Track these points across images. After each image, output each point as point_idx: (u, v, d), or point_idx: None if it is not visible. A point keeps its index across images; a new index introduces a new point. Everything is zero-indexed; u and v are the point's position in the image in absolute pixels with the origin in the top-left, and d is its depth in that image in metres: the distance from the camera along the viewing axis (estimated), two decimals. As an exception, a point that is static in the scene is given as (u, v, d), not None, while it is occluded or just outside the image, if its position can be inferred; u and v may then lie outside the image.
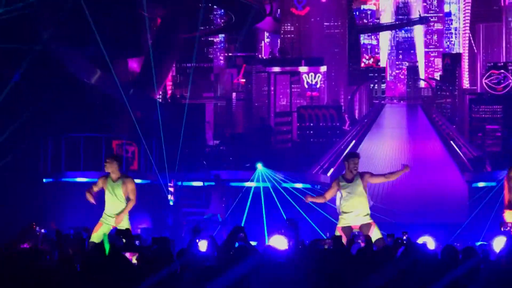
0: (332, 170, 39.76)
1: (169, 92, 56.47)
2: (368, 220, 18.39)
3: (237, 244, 14.07)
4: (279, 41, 68.87)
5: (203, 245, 14.98)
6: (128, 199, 18.89)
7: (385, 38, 76.42)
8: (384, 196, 32.75)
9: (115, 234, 17.52)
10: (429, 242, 15.72)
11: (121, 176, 19.13)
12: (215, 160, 41.17)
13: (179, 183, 31.24)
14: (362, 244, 16.18)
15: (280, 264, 9.67)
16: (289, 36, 67.11)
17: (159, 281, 8.75)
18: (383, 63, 74.12)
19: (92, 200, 18.98)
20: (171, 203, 30.40)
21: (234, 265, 8.81)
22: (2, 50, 26.46)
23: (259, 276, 8.40)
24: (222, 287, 7.96)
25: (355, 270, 9.71)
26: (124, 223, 18.47)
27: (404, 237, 17.76)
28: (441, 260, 11.32)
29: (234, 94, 65.78)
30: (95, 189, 19.17)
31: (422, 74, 72.60)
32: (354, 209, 18.41)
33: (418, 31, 74.22)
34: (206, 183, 31.86)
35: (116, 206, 18.75)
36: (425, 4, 74.20)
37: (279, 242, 16.52)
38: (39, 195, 28.62)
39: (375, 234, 17.53)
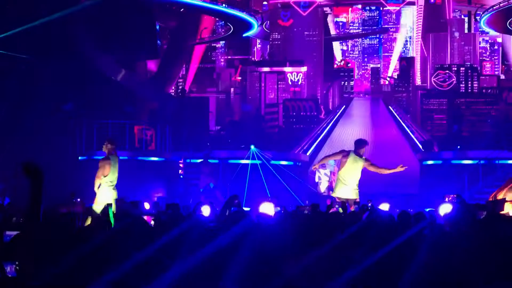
0: (310, 150, 39.60)
1: (180, 87, 56.25)
2: (356, 196, 18.03)
3: (232, 209, 14.05)
4: (268, 46, 68.64)
5: (205, 210, 14.93)
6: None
7: (354, 44, 76.38)
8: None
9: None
10: (387, 208, 15.61)
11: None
12: (217, 142, 40.93)
13: (188, 160, 31.23)
14: (336, 209, 16.10)
15: (268, 226, 9.69)
16: (276, 42, 66.87)
17: (172, 239, 8.72)
18: (352, 64, 74.03)
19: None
20: (181, 176, 30.19)
21: (230, 226, 8.80)
22: (44, 51, 26.29)
23: (251, 235, 8.38)
24: (220, 244, 7.95)
25: (328, 231, 9.67)
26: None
27: (369, 204, 17.65)
28: (397, 222, 11.32)
29: (232, 89, 65.60)
30: None
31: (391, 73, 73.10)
32: (352, 181, 18.06)
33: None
34: (198, 160, 31.47)
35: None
36: (385, 17, 74.10)
37: (268, 208, 16.41)
38: (75, 170, 28.59)
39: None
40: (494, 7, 61.25)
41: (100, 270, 7.40)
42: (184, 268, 7.59)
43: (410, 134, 45.72)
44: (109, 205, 14.79)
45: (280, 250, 8.06)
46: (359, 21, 74.70)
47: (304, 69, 65.28)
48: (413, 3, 69.84)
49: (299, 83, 65.25)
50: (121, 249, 8.04)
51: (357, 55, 75.32)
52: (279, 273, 7.38)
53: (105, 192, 18.29)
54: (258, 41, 69.59)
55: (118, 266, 7.55)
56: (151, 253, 7.93)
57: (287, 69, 65.18)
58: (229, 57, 69.50)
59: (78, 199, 22.62)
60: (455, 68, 64.78)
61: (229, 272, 7.48)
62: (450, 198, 18.62)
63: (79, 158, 29.08)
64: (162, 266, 7.70)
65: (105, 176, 18.36)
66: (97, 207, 17.67)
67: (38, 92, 25.38)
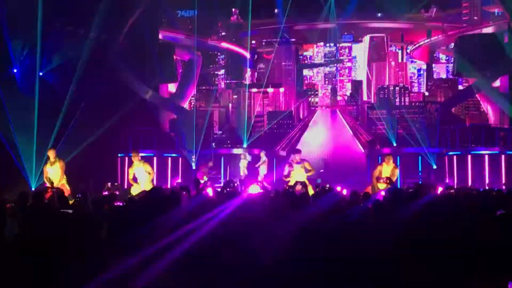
0: (287, 149, 39.64)
1: (192, 103, 56.20)
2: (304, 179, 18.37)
3: (228, 190, 14.19)
4: (256, 73, 68.69)
5: (210, 191, 15.03)
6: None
7: (318, 71, 76.44)
8: (319, 164, 32.56)
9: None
10: (342, 189, 15.70)
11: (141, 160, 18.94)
12: (219, 142, 40.86)
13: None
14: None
15: (253, 200, 9.83)
16: (261, 70, 66.98)
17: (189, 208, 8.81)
18: (316, 86, 74.15)
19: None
20: (193, 168, 30.12)
21: (226, 201, 8.91)
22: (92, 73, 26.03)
23: (241, 208, 8.48)
24: (218, 212, 8.04)
25: (296, 205, 9.73)
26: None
27: (327, 186, 17.70)
28: (349, 199, 11.40)
29: (230, 104, 65.54)
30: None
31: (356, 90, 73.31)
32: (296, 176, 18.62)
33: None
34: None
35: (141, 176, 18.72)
36: (341, 51, 74.21)
37: (255, 189, 16.52)
38: (116, 165, 28.59)
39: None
40: (420, 43, 61.56)
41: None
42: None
43: (359, 135, 45.85)
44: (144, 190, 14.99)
45: (256, 216, 8.13)
46: (322, 54, 74.74)
47: (282, 89, 65.47)
48: (361, 41, 70.08)
49: (280, 99, 65.36)
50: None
51: (320, 79, 75.36)
52: (254, 232, 7.35)
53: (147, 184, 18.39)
54: (249, 69, 69.61)
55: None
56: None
57: (270, 89, 65.31)
58: (227, 81, 69.35)
59: (112, 184, 22.54)
60: (392, 88, 64.98)
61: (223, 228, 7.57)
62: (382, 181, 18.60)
63: (118, 155, 29.07)
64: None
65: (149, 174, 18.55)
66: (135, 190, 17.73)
67: (93, 108, 25.21)
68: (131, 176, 18.82)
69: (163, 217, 7.81)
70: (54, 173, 17.80)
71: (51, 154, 17.97)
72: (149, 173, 18.68)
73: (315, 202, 10.94)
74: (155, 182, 20.21)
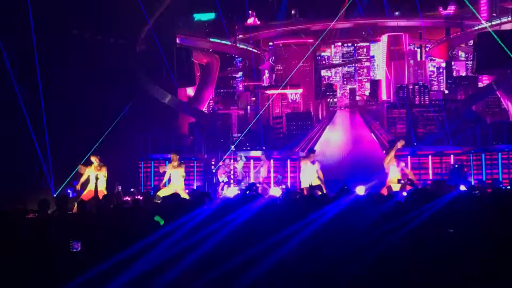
0: (306, 149, 39.63)
1: (210, 106, 56.46)
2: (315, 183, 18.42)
3: (249, 193, 14.23)
4: (274, 75, 68.80)
5: (231, 192, 15.07)
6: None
7: (336, 71, 76.35)
8: (339, 163, 32.51)
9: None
10: (363, 190, 15.71)
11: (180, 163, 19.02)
12: (238, 145, 41.01)
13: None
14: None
15: (275, 202, 9.89)
16: (279, 72, 67.10)
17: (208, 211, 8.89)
18: (335, 86, 74.05)
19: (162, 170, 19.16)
20: (213, 170, 30.23)
21: (247, 202, 8.96)
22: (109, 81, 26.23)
23: (263, 209, 8.55)
24: (240, 213, 8.13)
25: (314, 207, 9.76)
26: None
27: (345, 187, 17.64)
28: (367, 199, 11.42)
29: (248, 107, 65.70)
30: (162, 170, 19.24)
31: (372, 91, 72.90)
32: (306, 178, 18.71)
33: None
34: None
35: (177, 179, 18.81)
36: (359, 51, 74.07)
37: (276, 191, 16.57)
38: (135, 168, 28.80)
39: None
40: (438, 41, 61.17)
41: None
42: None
43: (379, 135, 45.68)
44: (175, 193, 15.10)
45: (277, 218, 8.20)
46: (340, 55, 74.67)
47: (300, 90, 65.43)
48: (379, 40, 69.82)
49: (297, 100, 65.35)
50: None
51: (338, 79, 75.28)
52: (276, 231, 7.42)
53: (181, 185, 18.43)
54: (266, 71, 69.74)
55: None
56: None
57: (288, 91, 65.34)
58: (245, 83, 69.59)
59: (136, 190, 22.70)
60: (411, 87, 64.68)
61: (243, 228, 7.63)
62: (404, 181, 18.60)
63: (140, 159, 29.28)
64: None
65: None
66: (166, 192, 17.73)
67: (114, 112, 25.36)
68: (166, 178, 18.99)
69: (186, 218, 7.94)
70: (101, 178, 18.09)
71: (95, 160, 18.22)
72: (182, 176, 18.81)
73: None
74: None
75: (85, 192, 18.05)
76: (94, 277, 6.32)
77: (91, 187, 17.96)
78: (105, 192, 16.83)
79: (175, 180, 18.69)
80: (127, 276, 6.37)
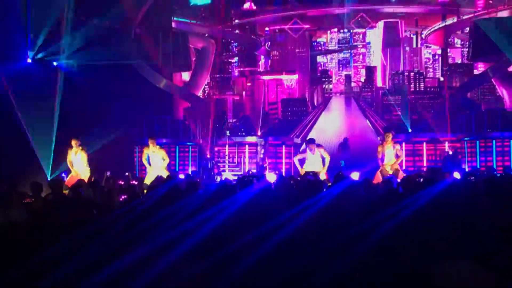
0: (301, 135, 39.64)
1: (206, 91, 56.27)
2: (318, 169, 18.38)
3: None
4: (269, 61, 68.61)
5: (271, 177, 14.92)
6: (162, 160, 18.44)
7: (332, 58, 76.18)
8: (333, 149, 32.38)
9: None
10: (357, 176, 15.63)
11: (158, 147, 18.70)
12: (233, 131, 40.90)
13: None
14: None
15: (270, 187, 9.88)
16: (275, 57, 66.90)
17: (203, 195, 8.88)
18: (330, 72, 73.89)
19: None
20: (208, 156, 30.17)
21: (246, 186, 8.96)
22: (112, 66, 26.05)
23: (260, 192, 8.55)
24: (240, 197, 8.14)
25: (309, 193, 9.74)
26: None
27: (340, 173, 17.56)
28: (360, 183, 11.38)
29: (244, 92, 65.52)
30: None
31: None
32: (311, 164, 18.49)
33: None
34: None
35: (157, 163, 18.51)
36: (355, 37, 73.85)
37: (271, 176, 16.53)
38: (134, 154, 28.69)
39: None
40: (435, 28, 61.10)
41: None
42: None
43: (374, 122, 45.70)
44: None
45: (271, 200, 8.20)
46: (335, 41, 74.44)
47: (295, 76, 65.27)
48: (375, 27, 69.64)
49: (292, 86, 65.26)
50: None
51: (334, 65, 75.10)
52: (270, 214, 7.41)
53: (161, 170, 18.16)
54: (262, 57, 69.49)
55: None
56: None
57: (283, 76, 65.19)
58: (241, 69, 69.32)
59: (130, 175, 22.56)
60: (407, 73, 64.64)
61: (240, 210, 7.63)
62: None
63: (135, 144, 29.20)
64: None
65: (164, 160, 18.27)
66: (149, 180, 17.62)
67: (111, 94, 25.16)
68: (145, 157, 18.65)
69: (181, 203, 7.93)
70: (78, 162, 17.84)
71: (74, 143, 17.89)
72: (163, 159, 18.45)
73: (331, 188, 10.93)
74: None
75: (67, 178, 17.85)
76: (91, 263, 6.29)
77: (73, 172, 17.81)
78: (82, 177, 16.49)
79: (154, 164, 18.45)
80: (127, 260, 6.35)
